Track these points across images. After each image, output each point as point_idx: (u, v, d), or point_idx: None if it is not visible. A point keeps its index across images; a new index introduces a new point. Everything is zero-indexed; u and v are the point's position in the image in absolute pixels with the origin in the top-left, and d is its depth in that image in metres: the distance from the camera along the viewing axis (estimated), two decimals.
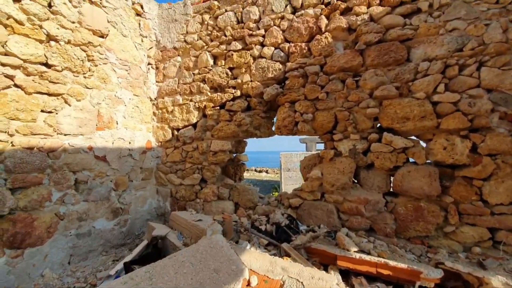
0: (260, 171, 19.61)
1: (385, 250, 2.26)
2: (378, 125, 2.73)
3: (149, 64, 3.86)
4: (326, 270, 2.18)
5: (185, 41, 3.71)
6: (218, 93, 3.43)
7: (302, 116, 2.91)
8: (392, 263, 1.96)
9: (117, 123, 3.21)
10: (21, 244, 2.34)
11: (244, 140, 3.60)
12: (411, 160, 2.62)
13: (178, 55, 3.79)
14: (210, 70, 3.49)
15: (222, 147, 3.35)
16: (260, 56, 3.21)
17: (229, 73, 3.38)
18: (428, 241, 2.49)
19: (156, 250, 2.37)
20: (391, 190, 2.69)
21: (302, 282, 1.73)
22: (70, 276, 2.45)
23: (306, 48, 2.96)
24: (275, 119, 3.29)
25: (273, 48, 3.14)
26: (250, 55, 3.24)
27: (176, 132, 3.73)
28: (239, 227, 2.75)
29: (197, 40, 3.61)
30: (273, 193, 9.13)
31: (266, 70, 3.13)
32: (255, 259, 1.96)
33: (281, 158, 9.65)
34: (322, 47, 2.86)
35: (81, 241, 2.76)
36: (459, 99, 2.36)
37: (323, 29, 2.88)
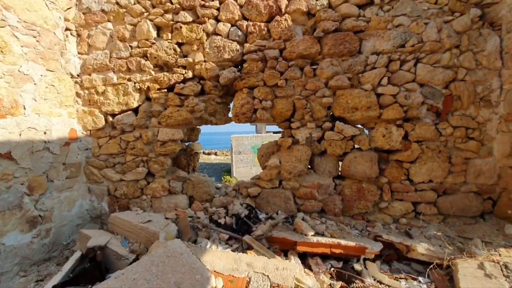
0: (208, 154, 19.17)
1: (335, 229, 2.50)
2: (331, 114, 2.86)
3: (67, 29, 2.98)
4: (286, 255, 2.29)
5: (117, 3, 2.95)
6: (165, 73, 2.94)
7: (261, 103, 2.79)
8: (343, 242, 2.19)
9: (24, 108, 2.41)
10: None
11: (198, 127, 3.29)
12: (356, 146, 2.88)
13: (109, 21, 3.02)
14: (153, 44, 2.92)
15: (172, 136, 2.97)
16: (215, 33, 2.85)
17: (178, 49, 2.91)
18: (367, 216, 2.87)
19: (95, 264, 1.99)
20: (340, 174, 2.94)
21: (267, 276, 1.75)
22: None
23: (266, 29, 2.76)
24: (231, 104, 3.08)
25: (229, 25, 2.82)
26: (203, 30, 2.84)
27: (111, 118, 3.10)
28: (196, 223, 2.58)
29: (134, 4, 2.92)
30: (224, 176, 9.07)
31: (222, 50, 2.81)
32: (218, 258, 1.88)
33: (232, 141, 9.55)
34: (282, 30, 2.71)
35: None
36: (398, 92, 2.64)
37: (283, 10, 2.70)
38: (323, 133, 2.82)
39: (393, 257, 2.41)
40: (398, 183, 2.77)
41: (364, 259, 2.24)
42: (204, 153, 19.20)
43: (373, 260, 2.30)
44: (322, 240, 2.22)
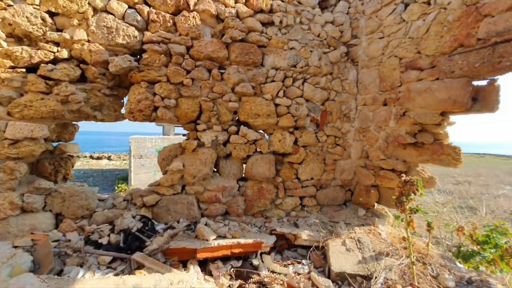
0: (99, 158, 15.80)
1: (237, 230, 2.59)
2: (237, 118, 2.98)
3: None
4: (186, 266, 2.14)
5: None
6: (25, 47, 2.15)
7: (164, 101, 2.54)
8: (243, 241, 2.29)
9: None
10: None
11: (74, 123, 2.59)
12: (258, 150, 3.13)
13: None
14: (9, 6, 2.08)
15: (30, 133, 2.17)
16: (106, 11, 2.36)
17: (49, 20, 2.20)
18: (265, 213, 3.16)
19: None
20: (243, 176, 3.10)
21: None
22: None
23: (171, 21, 2.56)
24: (126, 98, 2.64)
25: (126, 6, 2.41)
26: (89, 3, 2.29)
27: None
28: (63, 248, 1.97)
29: None
30: (119, 185, 7.57)
31: (115, 33, 2.37)
32: None
33: (130, 143, 8.15)
34: (189, 27, 2.59)
35: None
36: (290, 104, 3.10)
37: (191, 6, 2.60)
38: (229, 137, 2.89)
39: (284, 246, 2.75)
40: (289, 181, 3.22)
41: (261, 253, 2.43)
42: (92, 157, 15.60)
43: (269, 253, 2.54)
44: (223, 242, 2.23)
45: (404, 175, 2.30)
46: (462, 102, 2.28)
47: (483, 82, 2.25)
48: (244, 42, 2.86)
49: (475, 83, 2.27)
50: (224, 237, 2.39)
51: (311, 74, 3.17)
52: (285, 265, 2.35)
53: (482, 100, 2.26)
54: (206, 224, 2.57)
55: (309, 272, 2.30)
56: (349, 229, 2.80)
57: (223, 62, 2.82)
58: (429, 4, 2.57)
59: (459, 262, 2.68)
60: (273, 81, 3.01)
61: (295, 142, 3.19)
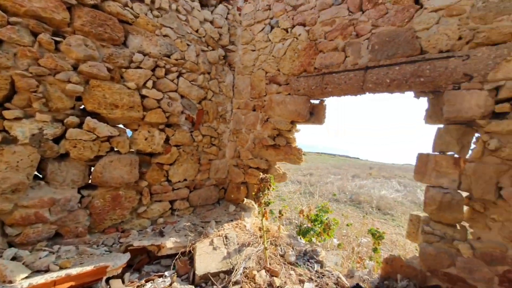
0: None
1: (72, 256, 1.93)
2: (82, 107, 2.27)
3: None
4: None
5: None
6: None
7: None
8: (75, 271, 1.70)
9: None
10: None
11: None
12: (115, 149, 2.54)
13: None
14: None
15: None
16: None
17: None
18: (122, 226, 2.60)
19: None
20: (90, 182, 2.40)
21: None
22: None
23: None
24: None
25: None
26: None
27: None
28: None
29: None
30: None
31: None
32: None
33: None
34: None
35: None
36: (162, 98, 2.76)
37: None
38: (65, 130, 2.13)
39: (145, 261, 2.38)
40: (158, 185, 2.85)
41: (108, 279, 1.95)
42: None
43: (122, 274, 2.09)
44: (41, 280, 1.57)
45: (262, 173, 2.62)
46: (304, 114, 2.89)
47: (317, 101, 2.96)
48: (99, 10, 2.23)
49: (312, 101, 2.94)
50: (47, 270, 1.71)
51: (188, 69, 2.98)
52: (138, 286, 2.00)
53: (315, 115, 2.97)
54: (14, 258, 1.73)
55: (171, 284, 2.09)
56: (219, 227, 2.83)
57: (61, 28, 2.05)
58: (287, 31, 3.09)
59: (300, 238, 3.43)
60: (139, 67, 2.54)
61: (166, 140, 2.88)
